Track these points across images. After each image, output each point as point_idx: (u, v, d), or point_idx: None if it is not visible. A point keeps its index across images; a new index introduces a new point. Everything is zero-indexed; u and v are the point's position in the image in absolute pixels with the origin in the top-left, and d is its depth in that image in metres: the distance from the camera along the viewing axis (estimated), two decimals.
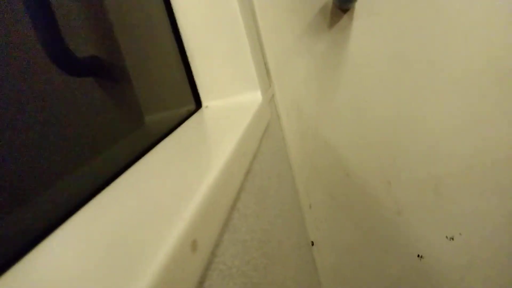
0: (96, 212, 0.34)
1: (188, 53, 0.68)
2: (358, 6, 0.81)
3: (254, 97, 0.68)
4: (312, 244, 0.99)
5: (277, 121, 0.85)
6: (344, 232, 0.98)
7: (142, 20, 0.60)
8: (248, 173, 0.51)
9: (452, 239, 0.93)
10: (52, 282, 0.25)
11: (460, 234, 0.92)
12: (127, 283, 0.23)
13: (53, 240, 0.30)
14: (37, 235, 0.30)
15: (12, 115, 0.30)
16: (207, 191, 0.33)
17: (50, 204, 0.33)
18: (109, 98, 0.50)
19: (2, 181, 0.29)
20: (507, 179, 0.87)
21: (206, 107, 0.69)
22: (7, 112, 0.30)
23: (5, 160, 0.29)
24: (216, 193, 0.35)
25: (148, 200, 0.34)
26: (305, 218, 0.97)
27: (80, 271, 0.25)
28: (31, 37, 0.36)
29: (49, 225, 0.32)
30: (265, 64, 0.84)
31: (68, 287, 0.24)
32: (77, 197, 0.36)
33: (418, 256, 0.95)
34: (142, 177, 0.41)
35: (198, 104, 0.69)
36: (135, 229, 0.29)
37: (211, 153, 0.46)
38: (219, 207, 0.36)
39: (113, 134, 0.48)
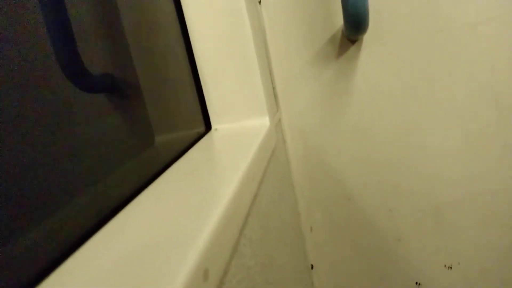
0: (107, 241, 0.34)
1: (201, 77, 0.71)
2: (366, 37, 0.83)
3: (262, 122, 0.69)
4: (312, 268, 1.00)
5: (283, 145, 0.87)
6: (344, 257, 0.98)
7: (158, 42, 0.62)
8: (255, 198, 0.53)
9: (451, 268, 0.93)
10: None
11: (458, 263, 0.93)
12: None
13: (65, 271, 0.31)
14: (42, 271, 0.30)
15: (20, 130, 0.31)
16: (219, 219, 0.35)
17: (54, 233, 0.33)
18: (120, 117, 0.52)
19: (13, 201, 0.29)
20: (507, 210, 0.88)
21: (216, 129, 0.71)
22: (16, 127, 0.30)
23: (13, 180, 0.29)
24: (227, 220, 0.36)
25: (160, 228, 0.35)
26: (306, 241, 0.98)
27: None
28: (45, 51, 0.37)
29: (58, 256, 0.31)
30: (274, 89, 0.86)
31: None
32: (84, 225, 0.35)
33: (416, 283, 0.96)
34: (153, 204, 0.42)
35: (208, 127, 0.71)
36: (148, 258, 0.30)
37: (222, 178, 0.47)
38: (229, 233, 0.37)
39: (123, 154, 0.49)
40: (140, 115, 0.57)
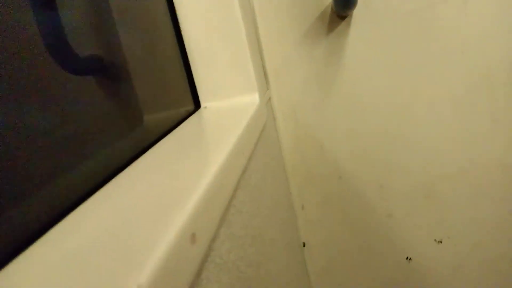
0: (98, 207, 0.35)
1: (189, 55, 0.70)
2: (355, 13, 0.83)
3: (252, 99, 0.69)
4: (304, 245, 1.01)
5: (273, 123, 0.87)
6: (335, 234, 1.00)
7: (145, 21, 0.62)
8: (244, 172, 0.53)
9: (441, 242, 0.95)
10: (54, 271, 0.26)
11: (448, 237, 0.95)
12: (131, 271, 0.24)
13: (55, 233, 0.32)
14: (40, 229, 0.31)
15: (11, 112, 0.31)
16: (206, 187, 0.35)
17: (51, 200, 0.34)
18: (109, 97, 0.52)
19: (2, 178, 0.30)
20: (497, 186, 0.89)
21: (205, 107, 0.70)
22: (6, 109, 0.31)
23: (5, 157, 0.30)
24: (214, 189, 0.37)
25: (149, 195, 0.35)
26: (298, 218, 0.99)
27: (84, 262, 0.27)
28: (33, 34, 0.37)
29: (51, 220, 0.32)
30: (264, 67, 0.86)
31: (71, 278, 0.25)
32: (77, 193, 0.37)
33: (407, 258, 0.98)
34: (142, 174, 0.42)
35: (197, 105, 0.71)
36: (137, 222, 0.31)
37: (210, 151, 0.47)
38: (216, 202, 0.38)
39: (113, 132, 0.50)
40: (128, 95, 0.57)
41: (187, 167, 0.41)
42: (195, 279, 0.32)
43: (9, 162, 0.31)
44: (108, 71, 0.53)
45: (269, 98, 0.87)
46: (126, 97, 0.56)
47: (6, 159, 0.30)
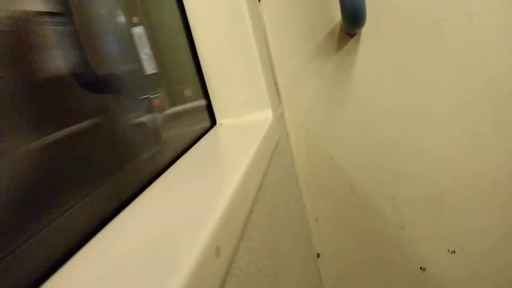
0: (126, 225, 0.38)
1: (205, 73, 0.73)
2: (364, 31, 0.86)
3: (265, 116, 0.72)
4: (318, 256, 1.02)
5: (286, 139, 0.90)
6: (349, 245, 1.01)
7: (164, 40, 0.65)
8: (260, 187, 0.55)
9: (454, 252, 0.96)
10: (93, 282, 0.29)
11: (461, 248, 0.95)
12: (162, 283, 0.27)
13: (88, 251, 0.34)
14: (72, 248, 0.34)
15: (34, 130, 0.33)
16: (227, 203, 0.38)
17: (79, 218, 0.36)
18: (127, 116, 0.54)
19: (31, 192, 0.32)
20: (505, 195, 0.90)
21: (220, 124, 0.73)
22: (30, 127, 0.33)
23: (33, 173, 0.33)
24: (234, 205, 0.39)
25: (174, 213, 0.38)
26: (312, 230, 1.01)
27: (116, 277, 0.29)
28: (54, 53, 0.39)
29: (82, 239, 0.35)
30: (275, 83, 0.89)
31: None
32: (105, 211, 0.39)
33: (421, 268, 0.98)
34: (166, 192, 0.45)
35: (213, 122, 0.74)
36: (166, 238, 0.33)
37: (229, 169, 0.50)
38: (237, 217, 0.40)
39: (133, 152, 0.52)
40: (147, 114, 0.60)
41: (207, 184, 0.44)
42: None
43: (35, 177, 0.33)
44: (126, 90, 0.56)
45: (281, 114, 0.89)
46: (144, 116, 0.59)
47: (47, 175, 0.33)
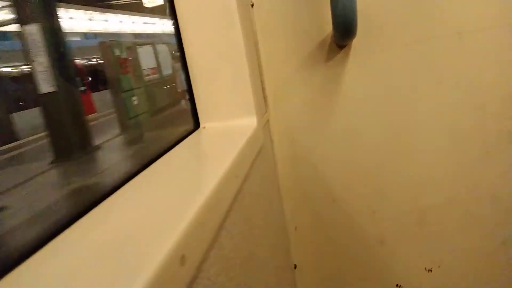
0: (91, 226, 0.36)
1: (191, 76, 0.72)
2: (354, 43, 0.86)
3: (250, 122, 0.71)
4: (295, 267, 1.01)
5: (270, 146, 0.89)
6: (327, 257, 1.00)
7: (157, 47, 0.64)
8: (237, 194, 0.54)
9: (431, 271, 0.95)
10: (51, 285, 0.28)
11: (438, 266, 0.95)
12: None
13: (49, 251, 0.33)
14: (34, 246, 0.32)
15: None
16: (198, 210, 0.36)
17: (48, 217, 0.36)
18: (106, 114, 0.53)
19: None
20: (487, 217, 0.90)
21: (204, 127, 0.72)
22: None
23: None
24: (206, 212, 0.38)
25: (142, 216, 0.37)
26: (290, 240, 1.00)
27: (78, 280, 0.28)
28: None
29: (46, 239, 0.34)
30: (263, 90, 0.88)
31: None
32: (76, 209, 0.38)
33: (397, 285, 0.98)
34: (137, 194, 0.44)
35: (196, 125, 0.73)
36: (129, 242, 0.32)
37: (205, 174, 0.49)
38: (208, 225, 0.39)
39: (112, 150, 0.51)
40: (128, 113, 0.59)
41: (180, 189, 0.43)
42: None
43: None
44: (110, 88, 0.55)
45: (267, 121, 0.89)
46: (125, 116, 0.58)
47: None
